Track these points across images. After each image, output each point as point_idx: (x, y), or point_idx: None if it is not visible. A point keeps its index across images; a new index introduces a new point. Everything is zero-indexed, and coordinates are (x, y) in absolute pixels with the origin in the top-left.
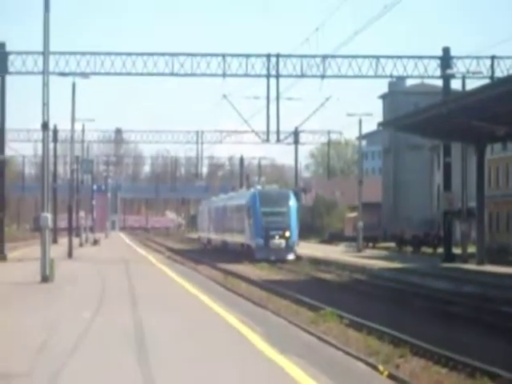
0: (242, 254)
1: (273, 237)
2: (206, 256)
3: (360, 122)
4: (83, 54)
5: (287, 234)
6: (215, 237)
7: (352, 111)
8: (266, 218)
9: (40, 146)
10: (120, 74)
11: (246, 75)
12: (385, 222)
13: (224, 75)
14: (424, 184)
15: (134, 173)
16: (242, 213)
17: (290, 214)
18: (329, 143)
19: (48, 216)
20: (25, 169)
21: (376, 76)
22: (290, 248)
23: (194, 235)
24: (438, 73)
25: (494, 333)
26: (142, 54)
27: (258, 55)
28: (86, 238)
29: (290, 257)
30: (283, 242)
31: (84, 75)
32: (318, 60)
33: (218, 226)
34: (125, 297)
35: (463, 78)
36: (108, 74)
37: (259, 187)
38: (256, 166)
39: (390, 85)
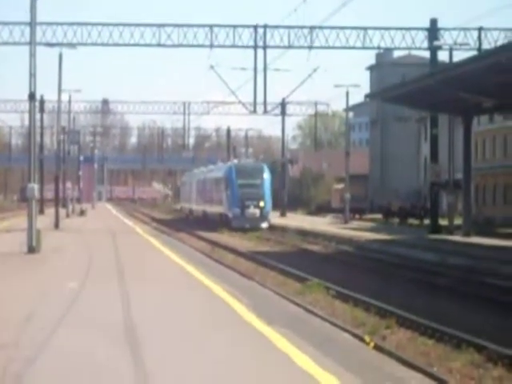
0: (221, 222)
1: (248, 207)
2: (189, 226)
3: (347, 93)
4: (70, 24)
5: (261, 204)
6: (196, 207)
7: (339, 83)
8: (242, 190)
9: (27, 116)
10: (107, 44)
11: (234, 46)
12: (372, 194)
13: (211, 46)
14: (411, 156)
15: (120, 144)
16: (219, 185)
17: (263, 186)
18: (316, 115)
19: (35, 187)
20: (12, 139)
21: (363, 47)
22: (263, 217)
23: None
24: (426, 44)
25: (479, 304)
26: (128, 25)
27: (246, 26)
28: (73, 209)
29: (264, 225)
30: (258, 211)
31: (71, 46)
32: (306, 31)
33: (199, 198)
34: (111, 267)
35: (450, 50)
36: (95, 44)
37: (235, 161)
38: (243, 137)
39: (378, 56)
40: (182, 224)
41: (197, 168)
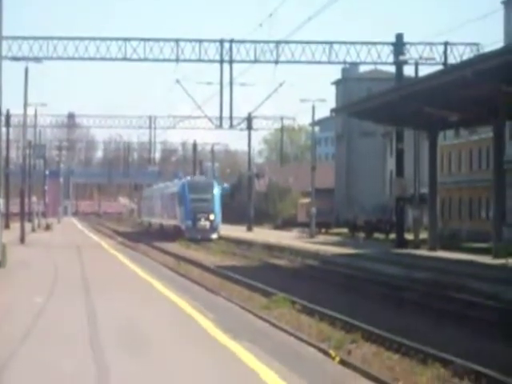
0: (175, 234)
1: (199, 219)
2: (153, 239)
3: (313, 107)
4: (36, 38)
5: (211, 217)
6: (154, 220)
7: (305, 97)
8: (194, 204)
9: None
10: (73, 58)
11: (200, 60)
12: (337, 208)
13: (177, 60)
14: (377, 170)
15: (86, 158)
16: (174, 200)
17: (213, 200)
18: (282, 129)
19: (0, 201)
20: None
21: (329, 62)
22: (213, 229)
23: None
24: (391, 59)
25: (445, 318)
26: (94, 39)
27: (212, 40)
28: (39, 223)
29: (214, 236)
30: (208, 223)
31: (37, 60)
32: (272, 45)
33: (156, 211)
34: (77, 282)
35: (416, 64)
36: (61, 58)
37: (188, 178)
38: (209, 151)
39: (344, 71)
40: (146, 237)
41: (162, 182)
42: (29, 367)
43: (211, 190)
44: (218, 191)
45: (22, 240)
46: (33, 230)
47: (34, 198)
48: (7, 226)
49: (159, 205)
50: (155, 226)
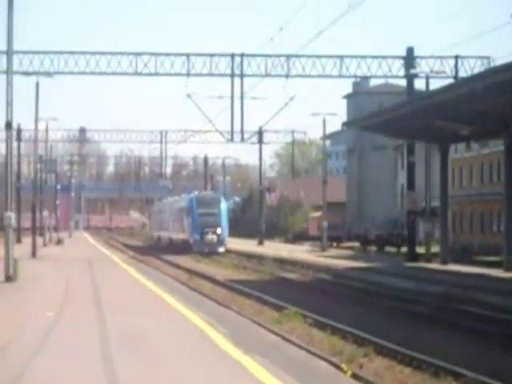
0: (184, 247)
1: (207, 233)
2: (164, 253)
3: (324, 121)
4: (46, 53)
5: (218, 230)
6: (164, 234)
7: (316, 111)
8: (202, 218)
9: (4, 145)
10: (84, 73)
11: (211, 75)
12: (349, 222)
13: (188, 75)
14: (388, 184)
15: (97, 172)
16: (182, 214)
17: (220, 215)
18: (293, 143)
19: (12, 215)
20: None
21: (340, 76)
22: (220, 242)
23: None
24: (402, 72)
25: (457, 332)
26: (105, 54)
27: (223, 54)
28: (50, 238)
29: (221, 249)
30: (215, 237)
31: (48, 74)
32: (283, 59)
33: (165, 226)
34: (88, 297)
35: (427, 78)
36: (72, 73)
37: (196, 192)
38: (220, 165)
39: (354, 85)
40: (157, 251)
41: (171, 197)
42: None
43: (218, 205)
44: (225, 206)
45: (34, 254)
46: (44, 244)
47: (45, 213)
48: (19, 241)
49: (168, 219)
50: (164, 240)
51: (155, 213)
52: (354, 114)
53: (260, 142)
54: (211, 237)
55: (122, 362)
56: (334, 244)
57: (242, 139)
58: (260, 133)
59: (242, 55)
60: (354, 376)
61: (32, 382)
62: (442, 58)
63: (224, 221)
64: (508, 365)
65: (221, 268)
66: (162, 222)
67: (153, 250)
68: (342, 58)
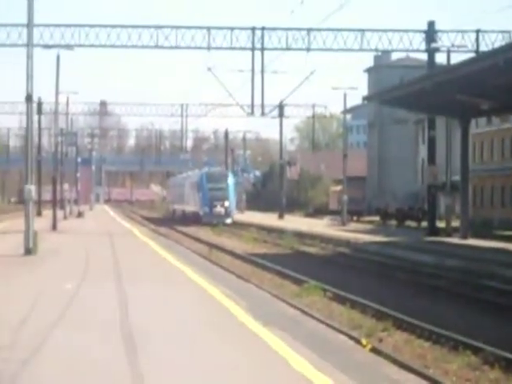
0: (195, 219)
1: (215, 206)
2: (185, 226)
3: (345, 95)
4: (68, 26)
5: (226, 203)
6: (177, 207)
7: (337, 85)
8: (211, 192)
9: (24, 118)
10: (104, 46)
11: (231, 48)
12: (369, 196)
13: (209, 48)
14: (408, 158)
15: (118, 146)
16: (194, 188)
17: (228, 189)
18: (314, 117)
19: (32, 188)
20: (9, 141)
21: (361, 49)
22: (228, 214)
23: None
24: (423, 46)
25: (476, 306)
26: (126, 27)
27: (243, 28)
28: (71, 211)
29: (228, 221)
30: (223, 210)
31: (68, 47)
32: (304, 33)
33: (179, 199)
34: (108, 269)
35: (448, 52)
36: (92, 46)
37: (206, 169)
38: (241, 139)
39: (376, 58)
40: (177, 224)
41: (191, 171)
42: (59, 354)
43: (226, 180)
44: (232, 181)
45: (54, 227)
46: (65, 217)
47: (66, 186)
48: (39, 214)
49: (182, 193)
50: (178, 213)
51: (170, 187)
52: (375, 88)
53: (281, 115)
54: (219, 209)
55: (143, 335)
56: (354, 218)
57: (263, 113)
58: (281, 107)
59: (262, 29)
60: (373, 350)
61: (52, 354)
62: (463, 32)
63: (231, 195)
64: None
65: (241, 242)
66: (176, 196)
67: (172, 223)
68: (363, 31)
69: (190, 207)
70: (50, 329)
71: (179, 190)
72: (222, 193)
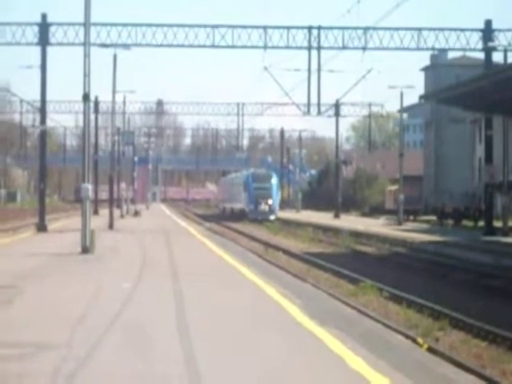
0: (241, 215)
1: (260, 203)
2: (243, 225)
3: (401, 94)
4: (124, 25)
5: (270, 201)
6: (227, 205)
7: (393, 84)
8: (256, 191)
9: (81, 117)
10: (161, 45)
11: (288, 47)
12: (426, 195)
13: (265, 47)
14: (465, 157)
15: (174, 145)
16: (240, 188)
17: (272, 189)
18: (370, 116)
19: (89, 187)
20: (66, 140)
21: (418, 48)
22: (271, 211)
23: None
24: (480, 45)
25: None
26: (183, 26)
27: (300, 27)
28: (127, 210)
29: (272, 217)
30: (267, 207)
31: (125, 46)
32: (360, 32)
33: (228, 197)
34: (165, 268)
35: (505, 51)
36: (149, 45)
37: (252, 170)
38: (297, 138)
39: (432, 57)
40: (231, 222)
41: (246, 170)
42: (114, 353)
43: (270, 180)
44: (276, 181)
45: (111, 226)
46: (121, 216)
47: (122, 185)
48: (96, 212)
49: (231, 192)
50: (227, 210)
51: (221, 186)
52: (432, 87)
53: (337, 114)
54: (264, 207)
55: (199, 334)
56: (411, 217)
57: (319, 112)
58: (337, 106)
59: (319, 28)
60: (430, 350)
61: (110, 349)
62: None
63: (275, 193)
64: None
65: (297, 241)
66: (226, 195)
67: (223, 219)
68: (419, 30)
69: (238, 205)
70: (107, 327)
71: (228, 189)
72: (266, 192)
